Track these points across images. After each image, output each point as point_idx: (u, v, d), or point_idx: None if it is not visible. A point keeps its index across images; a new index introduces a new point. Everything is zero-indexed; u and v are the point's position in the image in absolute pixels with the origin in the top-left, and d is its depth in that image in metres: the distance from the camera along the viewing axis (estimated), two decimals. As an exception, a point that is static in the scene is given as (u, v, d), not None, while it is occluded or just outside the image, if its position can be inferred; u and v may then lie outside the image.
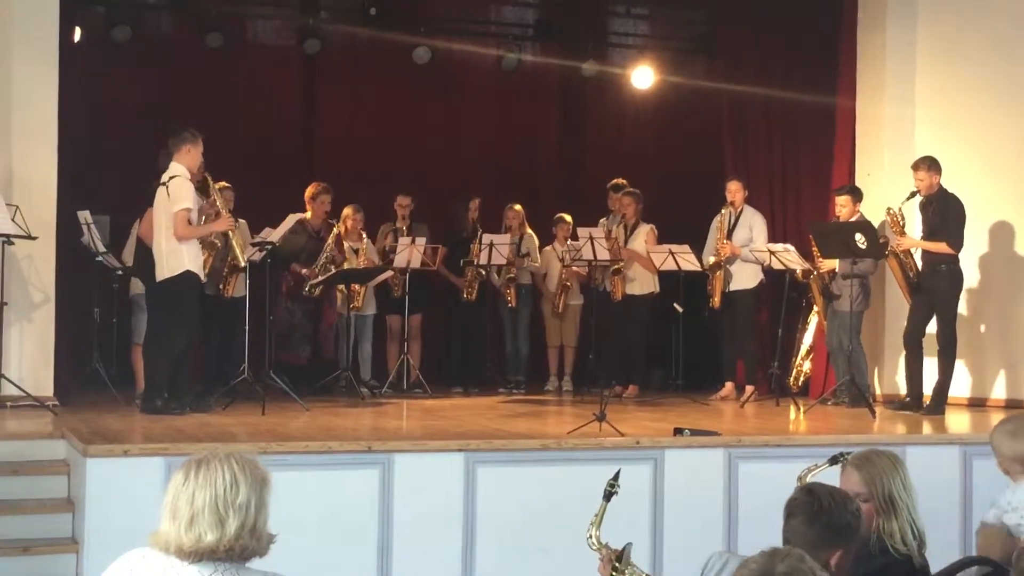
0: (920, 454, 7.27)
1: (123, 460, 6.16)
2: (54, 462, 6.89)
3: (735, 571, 2.78)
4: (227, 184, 9.65)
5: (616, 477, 3.91)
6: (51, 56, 8.98)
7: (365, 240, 10.70)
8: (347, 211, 10.72)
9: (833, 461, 4.57)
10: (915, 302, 9.42)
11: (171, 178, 8.06)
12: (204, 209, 8.45)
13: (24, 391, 8.35)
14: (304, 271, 10.20)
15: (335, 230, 10.30)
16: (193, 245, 8.16)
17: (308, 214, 10.25)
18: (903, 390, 9.68)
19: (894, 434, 8.11)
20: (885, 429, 8.38)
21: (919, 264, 9.41)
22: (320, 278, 10.04)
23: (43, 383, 8.74)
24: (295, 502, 6.03)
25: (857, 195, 9.93)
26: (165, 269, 8.06)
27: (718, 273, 10.45)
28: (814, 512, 3.37)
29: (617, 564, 3.59)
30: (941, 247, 9.18)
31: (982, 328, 10.17)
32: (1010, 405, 9.78)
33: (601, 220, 11.06)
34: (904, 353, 9.58)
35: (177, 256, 8.02)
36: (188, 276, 8.06)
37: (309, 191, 10.50)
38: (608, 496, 3.87)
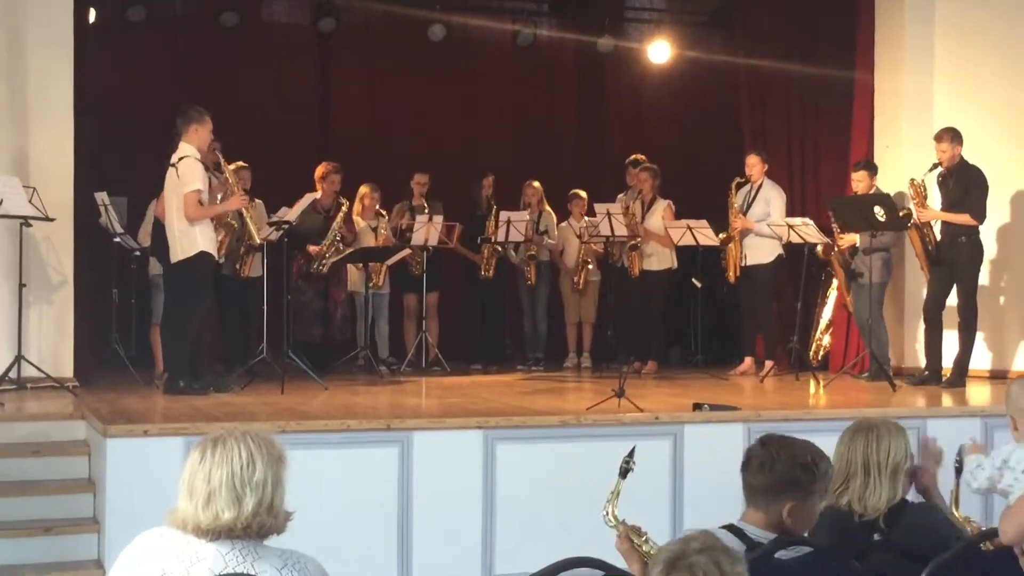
0: (941, 426, 7.23)
1: (143, 440, 6.17)
2: (75, 443, 6.93)
3: (653, 558, 2.78)
4: (244, 164, 9.66)
5: (631, 454, 3.88)
6: (66, 38, 8.97)
7: (382, 218, 10.68)
8: (364, 189, 10.70)
9: None
10: (935, 274, 9.35)
11: (180, 159, 7.92)
12: (216, 189, 8.42)
13: (44, 372, 8.37)
14: (312, 249, 10.19)
15: (344, 209, 10.26)
16: (206, 226, 8.05)
17: (318, 193, 10.18)
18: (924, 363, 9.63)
19: (914, 407, 8.06)
20: (905, 402, 8.32)
21: (938, 236, 9.35)
22: (335, 256, 10.02)
23: (63, 364, 8.78)
24: (315, 480, 6.05)
25: (872, 169, 9.86)
26: (179, 251, 7.99)
27: (730, 247, 10.41)
28: (762, 464, 3.48)
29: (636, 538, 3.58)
30: (964, 219, 9.10)
31: (1002, 300, 10.10)
32: (1031, 377, 9.72)
33: (619, 195, 11.03)
34: (924, 326, 9.52)
35: (190, 238, 7.92)
36: (203, 257, 7.97)
37: (319, 171, 10.44)
38: (624, 473, 3.85)
